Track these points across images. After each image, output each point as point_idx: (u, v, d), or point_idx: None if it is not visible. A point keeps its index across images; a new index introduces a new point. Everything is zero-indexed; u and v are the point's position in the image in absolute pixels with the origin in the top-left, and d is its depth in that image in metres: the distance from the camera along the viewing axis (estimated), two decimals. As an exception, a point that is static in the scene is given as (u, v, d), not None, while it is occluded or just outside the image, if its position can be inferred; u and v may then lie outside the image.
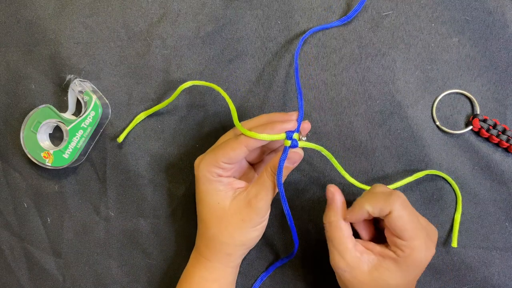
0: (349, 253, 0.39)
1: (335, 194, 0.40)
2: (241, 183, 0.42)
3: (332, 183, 0.47)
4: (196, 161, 0.42)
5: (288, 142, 0.39)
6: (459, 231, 0.46)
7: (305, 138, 0.41)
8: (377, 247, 0.39)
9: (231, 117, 0.40)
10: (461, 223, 0.46)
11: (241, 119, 0.42)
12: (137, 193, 0.48)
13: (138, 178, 0.48)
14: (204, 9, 0.47)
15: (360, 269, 0.39)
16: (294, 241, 0.44)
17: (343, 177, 0.43)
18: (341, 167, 0.43)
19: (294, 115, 0.40)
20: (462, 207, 0.46)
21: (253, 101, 0.47)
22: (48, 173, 0.48)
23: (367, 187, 0.43)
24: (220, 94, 0.42)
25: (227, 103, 0.41)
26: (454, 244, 0.45)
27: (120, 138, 0.47)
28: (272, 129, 0.39)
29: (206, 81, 0.46)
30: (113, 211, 0.48)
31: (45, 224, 0.49)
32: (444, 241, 0.46)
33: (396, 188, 0.45)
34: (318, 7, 0.46)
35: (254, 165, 0.45)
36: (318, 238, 0.47)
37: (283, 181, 0.40)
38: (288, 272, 0.48)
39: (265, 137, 0.38)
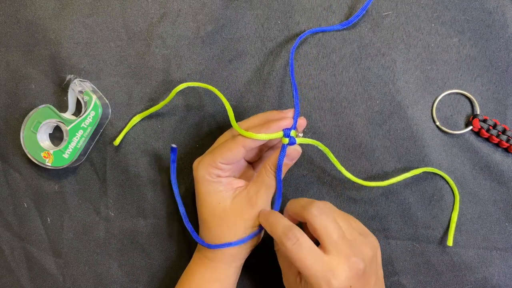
0: (291, 278, 0.39)
1: (266, 227, 0.40)
2: (241, 182, 0.42)
3: (333, 181, 0.47)
4: (195, 163, 0.42)
5: (286, 140, 0.39)
6: (460, 231, 0.46)
7: (302, 134, 0.41)
8: None
9: (231, 117, 0.40)
10: (461, 223, 0.46)
11: (241, 118, 0.42)
12: (137, 193, 0.48)
13: (138, 178, 0.48)
14: (204, 9, 0.47)
15: None
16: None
17: (342, 174, 0.43)
18: (337, 161, 0.43)
19: (290, 112, 0.40)
20: (462, 207, 0.46)
21: (253, 101, 0.47)
22: (48, 173, 0.48)
23: (363, 182, 0.44)
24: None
25: (227, 103, 0.41)
26: (450, 243, 0.45)
27: (117, 141, 0.47)
28: (268, 128, 0.39)
29: (206, 81, 0.47)
30: (113, 211, 0.48)
31: (45, 224, 0.49)
32: (444, 241, 0.46)
33: (393, 185, 0.45)
34: (318, 7, 0.46)
35: (252, 163, 0.46)
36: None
37: (282, 178, 0.40)
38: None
39: (263, 136, 0.38)
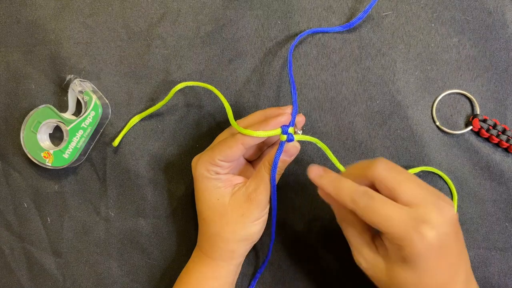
0: (365, 249, 0.36)
1: (327, 196, 0.37)
2: (240, 179, 0.42)
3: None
4: (194, 160, 0.42)
5: (284, 137, 0.39)
6: (459, 231, 0.46)
7: (301, 131, 0.41)
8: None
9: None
10: (461, 223, 0.46)
11: (240, 117, 0.42)
12: (137, 193, 0.48)
13: (138, 178, 0.48)
14: (204, 9, 0.47)
15: (378, 267, 0.35)
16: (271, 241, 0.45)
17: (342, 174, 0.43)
18: (335, 159, 0.43)
19: (288, 109, 0.40)
20: (462, 207, 0.46)
21: (252, 101, 0.47)
22: (48, 173, 0.48)
23: None
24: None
25: (227, 103, 0.41)
26: None
27: (116, 142, 0.47)
28: (267, 125, 0.39)
29: (206, 81, 0.47)
30: (113, 211, 0.48)
31: (45, 224, 0.49)
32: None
33: None
34: (318, 7, 0.46)
35: (252, 162, 0.46)
36: (319, 238, 0.47)
37: (281, 174, 0.40)
38: (290, 270, 0.48)
39: (261, 134, 0.38)
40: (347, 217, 0.37)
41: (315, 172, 0.38)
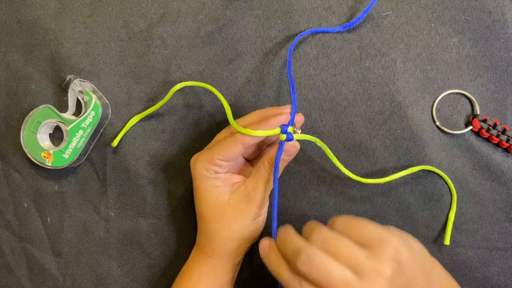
0: None
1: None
2: (239, 178, 0.42)
3: (333, 180, 0.47)
4: (192, 160, 0.42)
5: (283, 136, 0.39)
6: (460, 231, 0.46)
7: (300, 131, 0.41)
8: None
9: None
10: (461, 223, 0.46)
11: (240, 117, 0.42)
12: (137, 193, 0.48)
13: (138, 178, 0.48)
14: (204, 9, 0.47)
15: None
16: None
17: (342, 174, 0.43)
18: (335, 158, 0.43)
19: (287, 108, 0.40)
20: (462, 207, 0.46)
21: (252, 101, 0.47)
22: (48, 173, 0.48)
23: (360, 179, 0.43)
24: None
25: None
26: (447, 241, 0.45)
27: (115, 143, 0.47)
28: (266, 124, 0.39)
29: (206, 81, 0.47)
30: (113, 211, 0.48)
31: (45, 224, 0.49)
32: (443, 241, 0.46)
33: (393, 184, 0.46)
34: (318, 7, 0.46)
35: (251, 161, 0.46)
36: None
37: (280, 173, 0.40)
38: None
39: (260, 133, 0.38)
40: None
41: (261, 248, 0.38)
